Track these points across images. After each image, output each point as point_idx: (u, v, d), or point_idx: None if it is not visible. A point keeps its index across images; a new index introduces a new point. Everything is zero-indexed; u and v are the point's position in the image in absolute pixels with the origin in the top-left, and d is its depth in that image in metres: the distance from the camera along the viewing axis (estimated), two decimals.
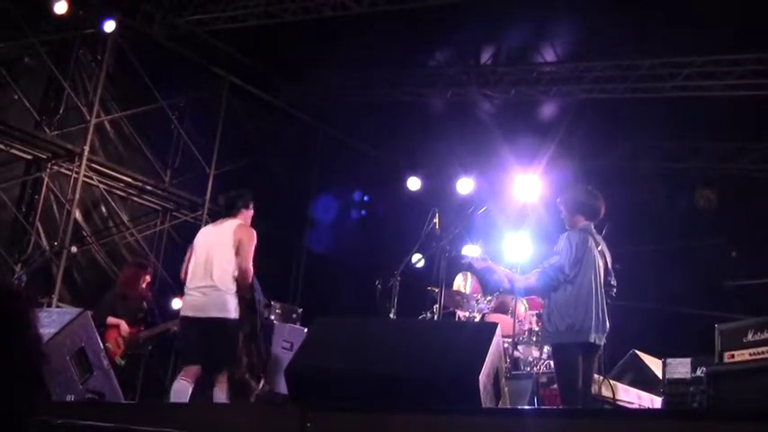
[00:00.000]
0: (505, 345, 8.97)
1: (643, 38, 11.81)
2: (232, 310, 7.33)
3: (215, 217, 13.95)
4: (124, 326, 9.53)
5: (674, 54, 12.10)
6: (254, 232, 7.69)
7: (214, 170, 13.76)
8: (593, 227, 7.11)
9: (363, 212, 16.46)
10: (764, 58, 11.57)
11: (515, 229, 11.08)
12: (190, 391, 7.19)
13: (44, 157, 12.24)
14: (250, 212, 8.00)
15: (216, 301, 7.32)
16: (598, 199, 7.19)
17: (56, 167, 12.32)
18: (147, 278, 10.06)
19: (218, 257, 7.45)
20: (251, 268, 7.50)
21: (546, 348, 9.46)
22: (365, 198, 16.30)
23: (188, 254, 7.85)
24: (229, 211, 7.86)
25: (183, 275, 7.79)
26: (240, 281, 7.43)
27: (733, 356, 6.34)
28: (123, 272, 10.58)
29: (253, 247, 7.56)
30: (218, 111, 13.96)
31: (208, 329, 7.28)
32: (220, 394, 7.24)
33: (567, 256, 6.79)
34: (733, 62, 11.83)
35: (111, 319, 9.50)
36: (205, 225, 13.54)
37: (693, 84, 12.23)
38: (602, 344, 6.86)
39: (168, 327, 9.85)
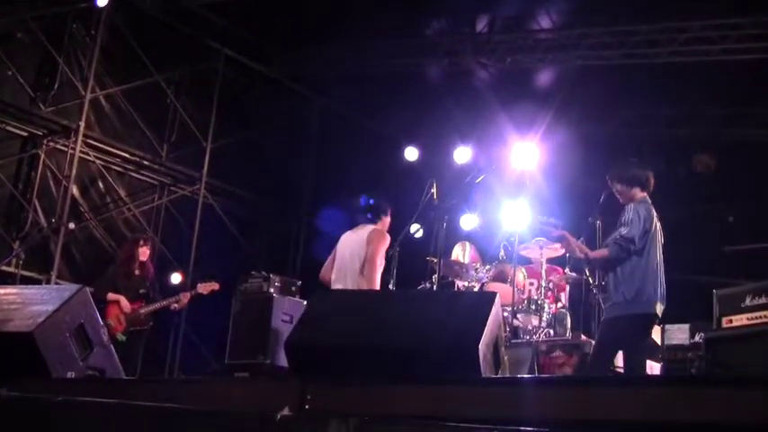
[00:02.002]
0: (505, 313, 9.00)
1: (640, 3, 11.76)
2: None
3: (213, 191, 14.03)
4: (124, 301, 9.54)
5: (671, 19, 12.03)
6: (388, 236, 8.10)
7: (211, 144, 13.75)
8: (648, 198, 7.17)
9: (372, 201, 16.40)
10: (762, 22, 11.52)
11: (513, 197, 11.07)
12: None
13: (40, 133, 12.21)
14: (388, 219, 8.39)
15: None
16: (647, 169, 7.25)
17: (52, 144, 12.31)
18: (145, 251, 10.02)
19: (354, 263, 7.85)
20: (375, 268, 7.80)
21: (545, 317, 9.49)
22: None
23: (330, 256, 8.20)
24: (369, 219, 8.28)
25: (323, 276, 8.16)
26: (366, 277, 7.75)
27: (731, 321, 6.37)
28: (122, 248, 10.59)
29: (381, 247, 7.90)
30: (213, 84, 13.93)
31: None
32: None
33: (636, 227, 6.87)
34: (730, 26, 11.77)
35: (111, 295, 9.52)
36: (203, 199, 13.61)
37: (691, 49, 12.17)
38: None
39: (169, 302, 9.87)
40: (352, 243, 8.02)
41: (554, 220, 7.58)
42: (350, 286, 7.76)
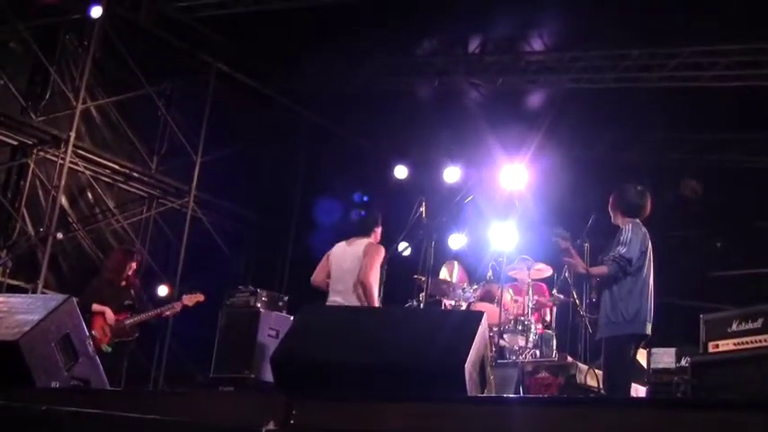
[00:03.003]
0: (491, 333, 9.00)
1: (631, 28, 11.81)
2: None
3: (202, 205, 14.01)
4: (110, 313, 9.50)
5: (661, 44, 12.10)
6: (383, 249, 8.22)
7: (200, 157, 13.73)
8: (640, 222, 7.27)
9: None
10: (751, 49, 11.58)
11: (502, 218, 11.10)
12: None
13: (30, 143, 12.18)
14: (380, 230, 8.49)
15: None
16: (645, 198, 7.35)
17: (42, 153, 12.28)
18: (134, 265, 10.04)
19: (351, 274, 7.98)
20: (372, 281, 7.92)
21: (532, 337, 9.49)
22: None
23: (323, 262, 8.36)
24: (361, 231, 8.38)
25: (314, 280, 8.36)
26: (362, 293, 7.88)
27: (717, 346, 6.39)
28: (110, 258, 10.57)
29: (377, 262, 8.04)
30: (205, 98, 13.91)
31: None
32: None
33: (634, 248, 6.96)
34: (720, 53, 11.83)
35: (96, 306, 9.47)
36: (192, 212, 13.59)
37: (681, 74, 12.22)
38: None
39: (154, 314, 9.84)
40: (347, 256, 8.13)
41: (564, 232, 7.57)
42: (349, 300, 7.86)
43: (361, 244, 8.15)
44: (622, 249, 6.94)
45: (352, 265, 8.01)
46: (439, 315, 7.57)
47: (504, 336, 9.55)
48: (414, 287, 10.22)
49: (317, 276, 8.33)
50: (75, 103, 12.16)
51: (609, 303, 7.00)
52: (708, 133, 13.52)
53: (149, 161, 13.66)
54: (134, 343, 9.89)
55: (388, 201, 14.17)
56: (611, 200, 7.38)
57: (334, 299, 8.01)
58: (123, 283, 9.88)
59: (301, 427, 3.78)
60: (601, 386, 7.80)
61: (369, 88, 14.40)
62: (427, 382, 4.48)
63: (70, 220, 12.63)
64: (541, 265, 9.96)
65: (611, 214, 7.37)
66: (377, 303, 7.96)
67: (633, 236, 6.98)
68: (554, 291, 10.05)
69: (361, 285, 7.89)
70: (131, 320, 9.64)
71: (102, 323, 9.47)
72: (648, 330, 6.92)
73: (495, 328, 9.31)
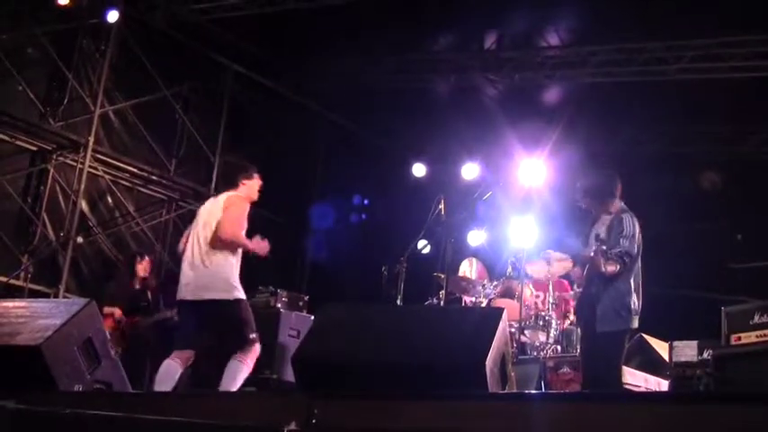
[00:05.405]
0: (512, 330, 8.98)
1: (647, 21, 11.76)
2: (232, 290, 6.97)
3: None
4: (118, 312, 9.56)
5: (678, 37, 12.04)
6: (247, 202, 7.25)
7: (219, 159, 13.76)
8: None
9: (364, 216, 16.48)
10: None
11: (521, 213, 11.09)
12: (177, 373, 6.91)
13: (49, 148, 12.25)
14: (253, 182, 7.53)
15: (209, 281, 6.96)
16: (615, 176, 7.16)
17: (61, 158, 12.34)
18: (144, 265, 10.08)
19: (207, 232, 7.02)
20: (232, 234, 6.95)
21: (553, 333, 9.45)
22: (365, 202, 16.31)
23: (189, 228, 7.41)
24: (227, 182, 7.40)
25: (180, 248, 7.33)
26: (224, 245, 6.97)
27: (739, 339, 6.36)
28: (122, 263, 10.67)
29: (239, 214, 7.06)
30: (222, 99, 13.96)
31: (205, 313, 6.99)
32: (239, 374, 6.93)
33: (635, 242, 6.84)
34: (738, 44, 11.77)
35: (106, 309, 9.53)
36: None
37: (698, 66, 12.16)
38: None
39: (167, 315, 9.87)
40: (206, 212, 7.20)
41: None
42: (197, 257, 6.97)
43: (223, 197, 7.20)
44: (626, 243, 6.76)
45: (209, 220, 7.05)
46: (459, 312, 7.53)
47: (525, 332, 9.52)
48: (433, 285, 10.22)
49: (180, 245, 7.34)
50: (93, 108, 12.22)
51: (614, 296, 6.83)
52: (726, 125, 13.46)
53: (168, 164, 13.70)
54: (153, 345, 9.93)
55: (406, 199, 14.18)
56: (581, 189, 7.18)
57: (186, 257, 7.08)
58: (138, 286, 9.96)
59: (323, 426, 3.79)
60: (622, 380, 7.75)
61: (385, 86, 14.40)
62: (448, 379, 4.47)
63: (90, 224, 12.68)
64: (561, 255, 9.80)
65: (585, 204, 7.17)
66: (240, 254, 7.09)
67: (634, 229, 6.83)
68: (575, 286, 9.99)
69: (221, 242, 6.91)
70: (143, 322, 9.71)
71: (112, 324, 9.52)
72: (637, 324, 6.84)
73: (515, 324, 9.29)
